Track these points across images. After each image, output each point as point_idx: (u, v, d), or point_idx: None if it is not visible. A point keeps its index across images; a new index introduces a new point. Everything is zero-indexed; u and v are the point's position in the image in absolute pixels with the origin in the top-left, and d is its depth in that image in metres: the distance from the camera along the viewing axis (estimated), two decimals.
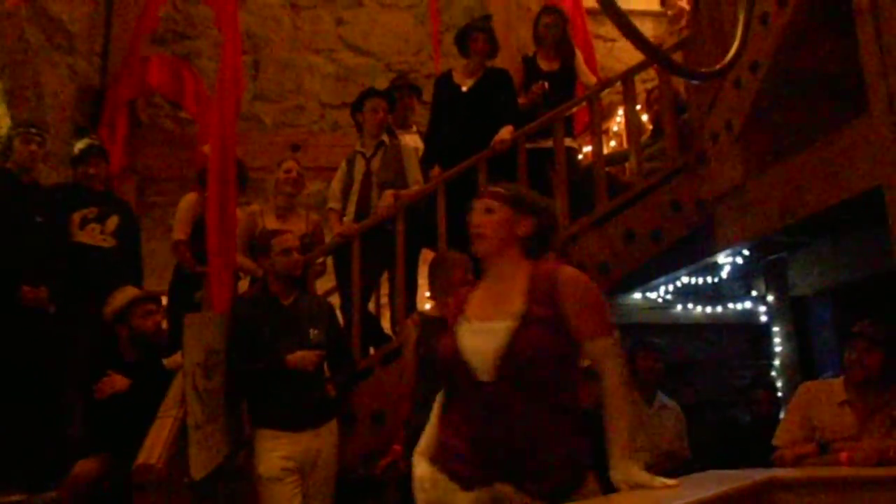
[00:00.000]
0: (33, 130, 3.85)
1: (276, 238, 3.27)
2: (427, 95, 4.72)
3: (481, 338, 1.80)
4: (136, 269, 4.07)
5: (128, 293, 3.34)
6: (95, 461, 2.86)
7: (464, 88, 4.17)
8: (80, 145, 4.07)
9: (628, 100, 4.31)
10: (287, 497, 2.98)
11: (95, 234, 3.86)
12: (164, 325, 3.58)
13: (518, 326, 1.77)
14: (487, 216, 1.90)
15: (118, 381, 3.11)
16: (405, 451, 2.99)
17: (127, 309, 3.28)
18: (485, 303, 1.89)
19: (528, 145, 4.04)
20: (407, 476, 3.05)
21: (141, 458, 2.37)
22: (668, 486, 1.72)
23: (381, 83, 5.14)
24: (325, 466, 3.07)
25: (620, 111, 5.00)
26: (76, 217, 3.83)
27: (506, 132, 3.96)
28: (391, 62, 6.10)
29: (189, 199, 4.02)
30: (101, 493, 2.79)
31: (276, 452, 2.98)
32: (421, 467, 1.87)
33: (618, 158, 4.90)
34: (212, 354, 2.93)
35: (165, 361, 3.13)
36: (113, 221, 3.92)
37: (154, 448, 2.41)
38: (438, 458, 1.85)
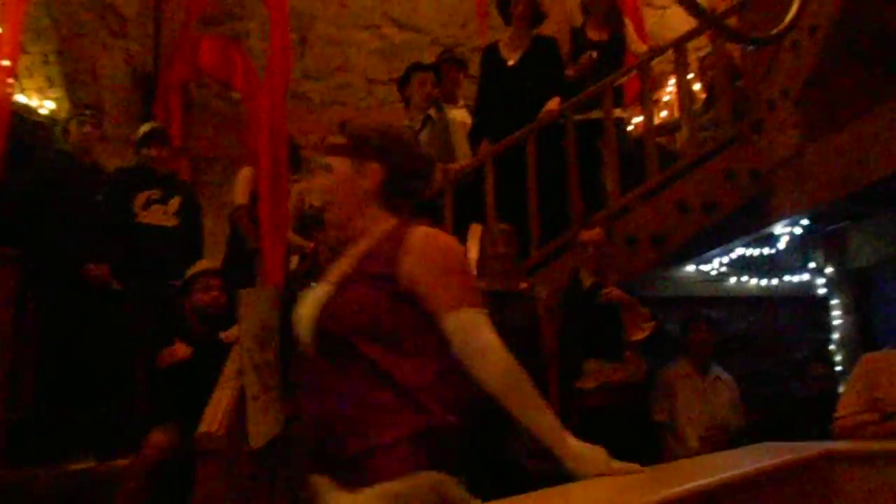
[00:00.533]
0: (87, 113, 3.97)
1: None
2: (474, 69, 4.70)
3: (306, 304, 1.50)
4: (198, 247, 4.21)
5: (198, 266, 3.43)
6: (166, 432, 2.96)
7: (510, 62, 4.13)
8: (143, 129, 4.17)
9: (680, 68, 4.21)
10: None
11: (158, 215, 3.99)
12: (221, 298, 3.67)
13: (336, 288, 1.47)
14: (327, 177, 1.57)
15: (180, 350, 3.20)
16: None
17: (189, 282, 3.38)
18: (331, 269, 1.56)
19: (576, 117, 3.99)
20: None
21: (202, 427, 2.45)
22: (635, 472, 1.44)
23: (428, 58, 5.12)
24: None
25: (672, 80, 4.89)
26: (140, 198, 3.94)
27: (553, 103, 3.92)
28: (437, 37, 6.07)
29: (246, 172, 4.08)
30: (171, 462, 2.89)
31: None
32: None
33: (669, 128, 4.80)
34: (266, 328, 2.99)
35: (223, 335, 3.21)
36: (175, 202, 4.04)
37: (214, 417, 2.49)
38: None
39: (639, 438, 3.16)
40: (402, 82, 4.16)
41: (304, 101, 5.86)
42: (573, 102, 3.96)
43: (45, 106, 4.50)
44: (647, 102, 4.13)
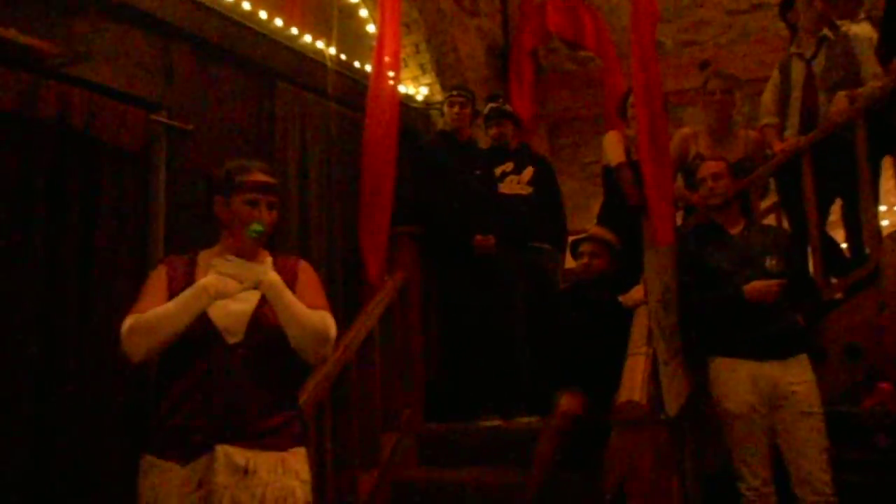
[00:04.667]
0: (455, 93, 4.19)
1: (702, 166, 3.10)
2: None
3: (232, 303, 1.91)
4: (556, 211, 4.29)
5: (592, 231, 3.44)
6: (575, 397, 3.00)
7: None
8: (485, 110, 4.34)
9: None
10: (755, 432, 2.81)
11: (514, 185, 4.18)
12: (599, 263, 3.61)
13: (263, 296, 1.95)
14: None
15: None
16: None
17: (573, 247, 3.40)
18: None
19: None
20: None
21: (624, 396, 2.39)
22: None
23: None
24: (798, 403, 2.79)
25: None
26: (497, 171, 4.18)
27: None
28: None
29: (612, 135, 3.98)
30: (582, 427, 2.92)
31: (739, 384, 2.82)
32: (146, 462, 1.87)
33: None
34: (667, 290, 2.85)
35: (621, 298, 3.14)
36: (528, 172, 4.21)
37: (634, 385, 2.42)
38: (154, 444, 1.86)
39: None
40: (785, 6, 3.65)
41: (658, 46, 5.53)
42: None
43: (420, 92, 4.87)
44: None
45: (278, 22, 3.65)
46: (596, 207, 4.16)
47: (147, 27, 3.00)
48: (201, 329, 1.87)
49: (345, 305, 3.54)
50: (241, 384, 1.87)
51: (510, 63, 5.53)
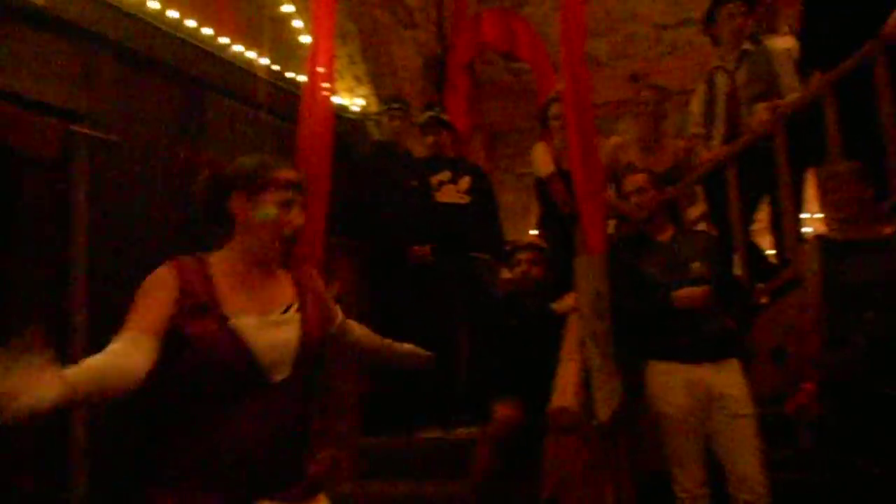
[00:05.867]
0: (395, 106, 4.19)
1: (626, 178, 3.17)
2: None
3: (275, 331, 1.58)
4: (493, 221, 4.29)
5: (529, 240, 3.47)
6: (510, 406, 3.01)
7: None
8: (421, 119, 4.35)
9: None
10: (689, 435, 2.86)
11: (452, 194, 4.17)
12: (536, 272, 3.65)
13: (302, 316, 1.66)
14: None
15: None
16: (818, 390, 2.70)
17: (511, 255, 3.42)
18: (246, 295, 1.60)
19: None
20: (822, 418, 2.77)
21: (556, 402, 2.41)
22: None
23: None
24: (731, 405, 2.86)
25: None
26: (434, 180, 4.16)
27: None
28: None
29: (540, 147, 4.04)
30: (518, 435, 2.92)
31: (672, 387, 2.87)
32: None
33: None
34: (599, 297, 2.89)
35: (554, 306, 3.17)
36: (466, 181, 4.20)
37: (565, 392, 2.44)
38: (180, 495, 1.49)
39: None
40: (708, 21, 3.77)
41: (589, 59, 5.65)
42: None
43: (356, 103, 4.85)
44: None
45: (208, 31, 3.59)
46: (533, 217, 4.21)
47: (69, 36, 2.91)
48: (244, 367, 1.53)
49: None
50: (284, 427, 1.58)
51: (446, 75, 5.57)
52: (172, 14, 3.37)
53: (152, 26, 3.26)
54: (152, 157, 3.20)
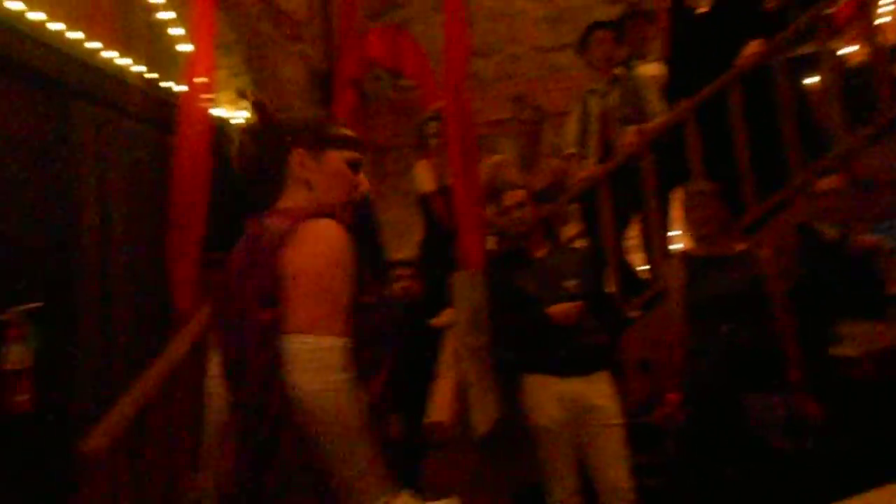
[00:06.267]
0: None
1: (506, 193, 3.24)
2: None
3: None
4: (376, 239, 4.27)
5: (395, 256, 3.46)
6: (393, 422, 2.98)
7: (698, 11, 3.78)
8: None
9: None
10: (562, 446, 2.94)
11: None
12: (415, 287, 3.68)
13: None
14: None
15: None
16: (684, 400, 2.85)
17: (387, 272, 3.41)
18: None
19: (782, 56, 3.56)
20: (685, 426, 2.93)
21: (432, 417, 2.42)
22: None
23: (601, 17, 4.83)
24: (601, 416, 2.97)
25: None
26: None
27: (755, 45, 3.53)
28: None
29: (422, 164, 4.08)
30: (398, 452, 2.90)
31: (547, 400, 2.95)
32: None
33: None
34: (477, 312, 2.94)
35: (432, 321, 3.19)
36: None
37: (442, 406, 2.46)
38: None
39: None
40: (582, 45, 3.94)
41: (474, 78, 5.77)
42: (782, 38, 3.53)
43: (238, 116, 4.73)
44: (869, 24, 3.60)
45: (75, 35, 3.40)
46: (419, 234, 4.22)
47: None
48: None
49: (156, 339, 3.33)
50: None
51: (334, 89, 5.53)
52: (36, 16, 3.18)
53: (10, 27, 3.06)
54: (9, 165, 2.99)
